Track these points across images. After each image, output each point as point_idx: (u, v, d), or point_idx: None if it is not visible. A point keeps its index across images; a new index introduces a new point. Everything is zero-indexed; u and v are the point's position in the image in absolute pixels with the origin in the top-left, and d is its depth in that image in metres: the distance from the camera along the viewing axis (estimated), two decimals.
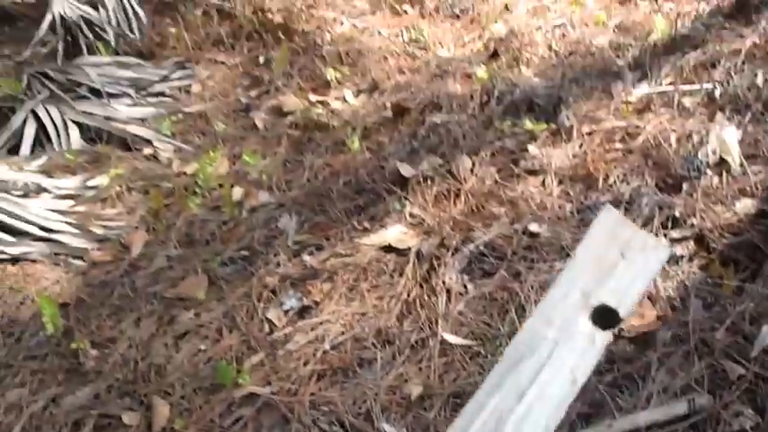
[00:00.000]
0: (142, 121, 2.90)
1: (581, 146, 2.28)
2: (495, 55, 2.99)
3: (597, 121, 2.37)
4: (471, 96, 2.65)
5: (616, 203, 2.03)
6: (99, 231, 2.36)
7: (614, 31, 3.10)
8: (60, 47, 3.33)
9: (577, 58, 2.90)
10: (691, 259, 1.80)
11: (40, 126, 2.83)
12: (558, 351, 0.83)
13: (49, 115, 2.83)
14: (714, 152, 2.08)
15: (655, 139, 2.21)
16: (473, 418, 0.81)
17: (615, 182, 2.11)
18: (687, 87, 2.47)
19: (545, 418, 0.80)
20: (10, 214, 2.34)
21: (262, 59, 3.18)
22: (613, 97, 2.52)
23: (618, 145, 2.26)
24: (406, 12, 3.46)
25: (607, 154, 2.23)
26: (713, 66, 2.58)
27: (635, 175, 2.10)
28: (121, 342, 1.91)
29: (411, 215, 2.11)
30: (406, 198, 2.16)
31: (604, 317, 0.84)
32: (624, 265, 0.86)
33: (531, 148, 2.30)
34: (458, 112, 2.58)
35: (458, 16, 3.36)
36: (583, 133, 2.33)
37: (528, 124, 2.39)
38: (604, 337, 0.84)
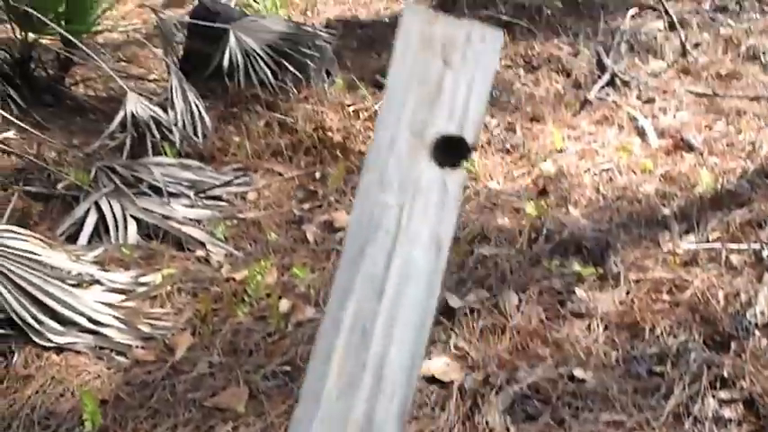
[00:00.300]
0: (198, 222, 2.99)
1: (628, 293, 2.31)
2: (543, 192, 3.07)
3: (645, 269, 2.41)
4: (520, 232, 2.71)
5: (662, 356, 2.04)
6: (145, 329, 2.40)
7: (660, 180, 3.18)
8: (128, 143, 3.49)
9: (624, 203, 2.96)
10: (740, 424, 1.78)
11: (101, 217, 2.94)
12: (406, 218, 0.63)
13: (111, 208, 2.94)
14: (763, 313, 2.10)
15: (702, 295, 2.23)
16: (332, 340, 0.62)
17: (662, 333, 2.12)
18: (734, 246, 2.51)
19: (415, 307, 0.62)
20: (62, 303, 2.40)
21: (318, 174, 3.29)
22: (660, 247, 2.57)
23: (665, 296, 2.29)
24: None
25: (654, 304, 2.25)
26: (760, 226, 2.63)
27: (682, 328, 2.12)
28: None
29: (456, 347, 2.13)
30: (452, 329, 2.19)
31: (449, 151, 0.64)
32: (451, 75, 0.65)
33: (579, 291, 2.33)
34: (506, 246, 2.64)
35: (508, 151, 3.48)
36: (630, 280, 2.36)
37: (576, 266, 2.43)
38: (458, 178, 0.64)
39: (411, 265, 0.63)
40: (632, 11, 4.57)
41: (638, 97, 3.94)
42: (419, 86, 0.65)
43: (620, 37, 4.36)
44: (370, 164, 0.64)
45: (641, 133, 3.60)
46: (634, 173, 3.24)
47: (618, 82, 3.98)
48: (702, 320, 2.14)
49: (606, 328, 2.18)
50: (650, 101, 3.91)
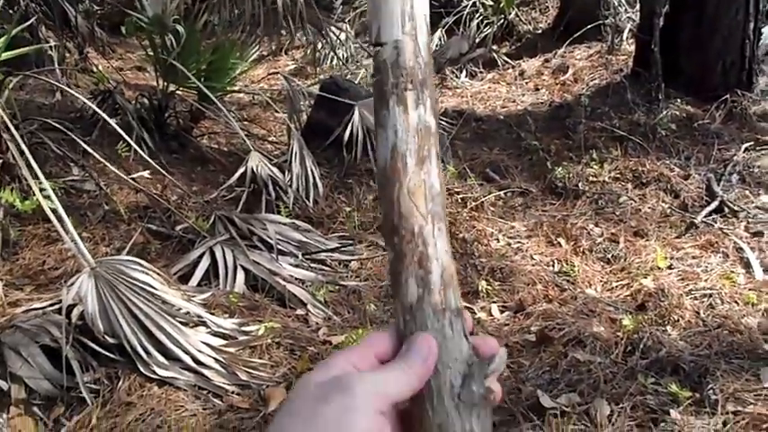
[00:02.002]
0: (301, 282, 3.12)
1: (725, 424, 2.26)
2: (642, 307, 3.06)
3: (744, 402, 2.36)
4: (616, 343, 2.70)
5: None
6: (243, 377, 2.50)
7: (764, 314, 3.11)
8: (245, 197, 3.70)
9: (725, 332, 2.91)
10: None
11: (213, 263, 3.11)
12: None
13: (224, 256, 3.11)
14: None
15: None
16: None
17: None
18: None
19: None
20: (171, 338, 2.54)
21: None
22: (761, 383, 2.51)
23: None
24: (560, 244, 3.63)
25: None
26: None
27: None
28: None
29: None
30: (541, 428, 2.19)
31: None
32: None
33: (673, 413, 2.30)
34: (601, 354, 2.64)
35: (609, 261, 3.49)
36: (728, 411, 2.31)
37: (673, 387, 2.40)
38: None
39: None
40: (747, 144, 4.56)
41: (746, 229, 3.90)
42: None
43: (733, 167, 4.35)
44: None
45: (746, 265, 3.55)
46: (737, 303, 3.18)
47: (726, 210, 3.96)
48: None
49: None
50: (758, 234, 3.86)
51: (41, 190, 2.76)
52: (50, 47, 5.11)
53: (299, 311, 2.94)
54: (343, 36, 6.47)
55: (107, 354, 2.44)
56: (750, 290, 3.33)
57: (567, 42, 6.55)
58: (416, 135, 0.67)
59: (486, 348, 0.67)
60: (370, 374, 0.61)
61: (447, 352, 0.64)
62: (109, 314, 2.48)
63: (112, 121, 3.60)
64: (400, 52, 0.68)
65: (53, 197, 2.73)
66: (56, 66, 4.96)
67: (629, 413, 2.29)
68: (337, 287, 3.13)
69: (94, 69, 5.56)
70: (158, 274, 2.75)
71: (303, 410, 0.59)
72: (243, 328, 2.75)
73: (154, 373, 2.45)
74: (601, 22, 6.64)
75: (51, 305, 2.62)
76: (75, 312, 2.50)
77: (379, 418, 0.59)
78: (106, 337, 2.45)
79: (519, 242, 3.65)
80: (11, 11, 4.62)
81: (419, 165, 0.67)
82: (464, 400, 0.63)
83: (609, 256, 3.53)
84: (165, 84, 4.56)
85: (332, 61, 6.90)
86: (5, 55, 3.24)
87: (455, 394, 0.63)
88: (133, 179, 3.65)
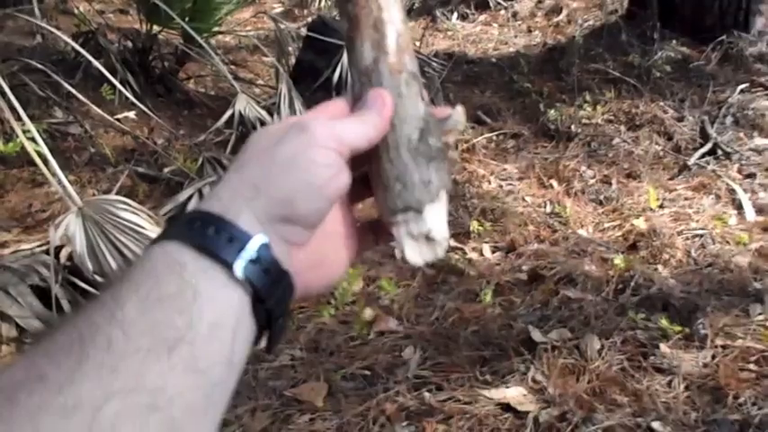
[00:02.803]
0: None
1: (713, 357, 2.28)
2: (633, 247, 3.06)
3: (733, 337, 2.37)
4: (607, 281, 2.70)
5: (744, 425, 2.01)
6: None
7: (754, 254, 3.12)
8: (233, 139, 3.65)
9: (715, 271, 2.92)
10: None
11: None
12: None
13: None
14: None
15: None
16: None
17: (746, 402, 2.08)
18: None
19: None
20: None
21: None
22: (750, 318, 2.52)
23: (752, 366, 2.24)
24: (552, 186, 3.61)
25: (740, 372, 2.21)
26: None
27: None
28: (234, 428, 1.98)
29: (534, 380, 2.14)
30: (531, 362, 2.20)
31: None
32: None
33: (663, 347, 2.31)
34: (592, 292, 2.64)
35: (601, 202, 3.48)
36: (716, 345, 2.33)
37: (663, 322, 2.41)
38: None
39: None
40: (742, 85, 4.52)
41: (739, 171, 3.89)
42: None
43: (727, 109, 4.32)
44: None
45: (738, 206, 3.55)
46: (728, 243, 3.19)
47: (719, 152, 3.94)
48: None
49: (688, 387, 2.15)
50: (751, 176, 3.85)
51: (25, 132, 2.70)
52: None
53: None
54: None
55: (96, 293, 2.41)
56: (741, 230, 3.34)
57: None
58: None
59: (442, 113, 0.67)
60: (328, 120, 0.59)
61: (404, 109, 0.64)
62: (97, 253, 2.45)
63: (97, 63, 3.51)
64: None
65: (38, 139, 2.67)
66: (35, 5, 4.82)
67: (620, 347, 2.30)
68: None
69: (75, 11, 5.41)
70: (147, 213, 2.71)
71: (259, 155, 0.57)
72: None
73: None
74: None
75: (39, 246, 2.59)
76: (64, 253, 2.48)
77: (338, 157, 0.57)
78: (95, 276, 2.42)
79: (511, 184, 3.63)
80: None
81: None
82: (422, 152, 0.63)
83: (601, 197, 3.51)
84: (149, 25, 4.45)
85: (320, 3, 6.75)
86: None
87: (412, 148, 0.63)
88: (118, 121, 3.58)
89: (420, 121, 0.64)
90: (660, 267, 2.92)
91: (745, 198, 3.60)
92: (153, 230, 2.67)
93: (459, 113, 0.66)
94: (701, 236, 3.25)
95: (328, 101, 0.65)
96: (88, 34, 4.49)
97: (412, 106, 0.64)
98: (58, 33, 3.94)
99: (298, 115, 0.62)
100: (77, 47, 3.61)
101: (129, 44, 4.57)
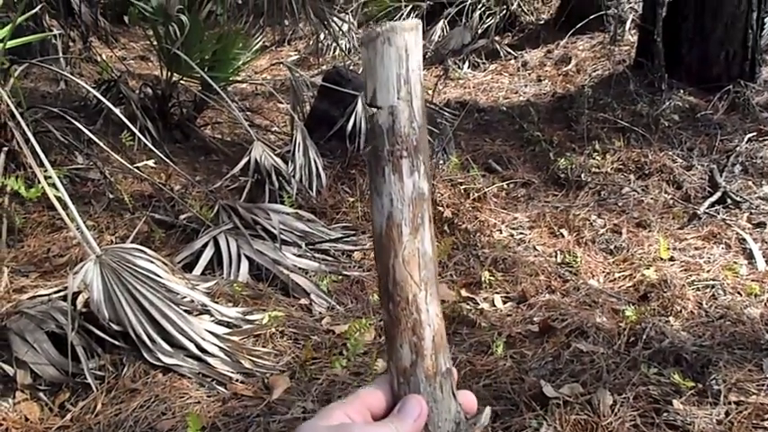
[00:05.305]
0: (305, 272, 3.13)
1: (727, 414, 2.27)
2: (644, 298, 3.07)
3: (746, 393, 2.37)
4: (618, 333, 2.71)
5: None
6: (247, 365, 2.52)
7: (766, 305, 3.12)
8: (248, 187, 3.71)
9: (727, 323, 2.92)
10: None
11: (217, 252, 3.12)
12: None
13: (228, 245, 3.12)
14: None
15: None
16: None
17: None
18: None
19: None
20: (175, 326, 2.54)
21: None
22: (764, 373, 2.52)
23: (766, 424, 2.24)
24: (562, 235, 3.64)
25: (755, 430, 2.21)
26: None
27: None
28: None
29: None
30: (544, 418, 2.20)
31: None
32: None
33: (676, 403, 2.31)
34: (603, 345, 2.65)
35: (611, 252, 3.50)
36: (730, 401, 2.32)
37: (675, 377, 2.41)
38: None
39: None
40: (750, 134, 4.56)
41: (749, 220, 3.91)
42: None
43: (735, 158, 4.36)
44: None
45: (749, 255, 3.56)
46: (739, 294, 3.19)
47: (729, 201, 3.96)
48: None
49: None
50: (760, 225, 3.87)
51: (46, 177, 2.77)
52: (54, 36, 5.10)
53: (303, 301, 2.95)
54: (345, 26, 6.46)
55: (112, 341, 2.45)
56: (752, 281, 3.34)
57: (570, 33, 6.54)
58: (411, 204, 0.70)
59: (467, 404, 0.74)
60: (369, 427, 0.68)
61: (437, 414, 0.70)
62: (114, 301, 2.49)
63: (117, 110, 3.60)
64: (396, 118, 0.69)
65: (58, 185, 2.74)
66: (60, 55, 4.95)
67: (632, 403, 2.30)
68: (340, 277, 3.14)
69: (98, 59, 5.56)
70: (163, 262, 2.76)
71: None
72: (247, 317, 2.76)
73: (158, 360, 2.47)
74: (603, 12, 6.62)
75: (56, 292, 2.63)
76: (81, 299, 2.51)
77: None
78: (111, 324, 2.46)
79: (522, 233, 3.66)
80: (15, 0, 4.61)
81: (413, 233, 0.70)
82: None
83: (611, 247, 3.54)
84: (169, 73, 4.55)
85: (334, 51, 6.89)
86: (10, 43, 3.24)
87: None
88: (137, 168, 3.65)
89: (452, 424, 0.71)
90: (672, 319, 2.93)
91: (755, 248, 3.62)
92: (168, 279, 2.72)
93: (486, 414, 0.74)
94: (713, 286, 3.25)
95: (368, 389, 0.72)
96: (110, 82, 4.60)
97: (445, 409, 0.71)
98: (81, 81, 4.04)
99: (340, 403, 0.71)
100: (98, 95, 3.71)
101: (150, 91, 4.67)
